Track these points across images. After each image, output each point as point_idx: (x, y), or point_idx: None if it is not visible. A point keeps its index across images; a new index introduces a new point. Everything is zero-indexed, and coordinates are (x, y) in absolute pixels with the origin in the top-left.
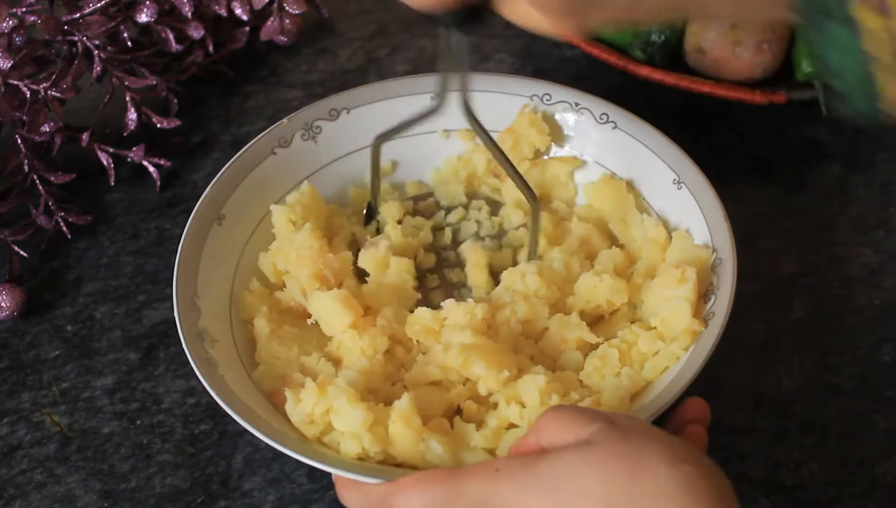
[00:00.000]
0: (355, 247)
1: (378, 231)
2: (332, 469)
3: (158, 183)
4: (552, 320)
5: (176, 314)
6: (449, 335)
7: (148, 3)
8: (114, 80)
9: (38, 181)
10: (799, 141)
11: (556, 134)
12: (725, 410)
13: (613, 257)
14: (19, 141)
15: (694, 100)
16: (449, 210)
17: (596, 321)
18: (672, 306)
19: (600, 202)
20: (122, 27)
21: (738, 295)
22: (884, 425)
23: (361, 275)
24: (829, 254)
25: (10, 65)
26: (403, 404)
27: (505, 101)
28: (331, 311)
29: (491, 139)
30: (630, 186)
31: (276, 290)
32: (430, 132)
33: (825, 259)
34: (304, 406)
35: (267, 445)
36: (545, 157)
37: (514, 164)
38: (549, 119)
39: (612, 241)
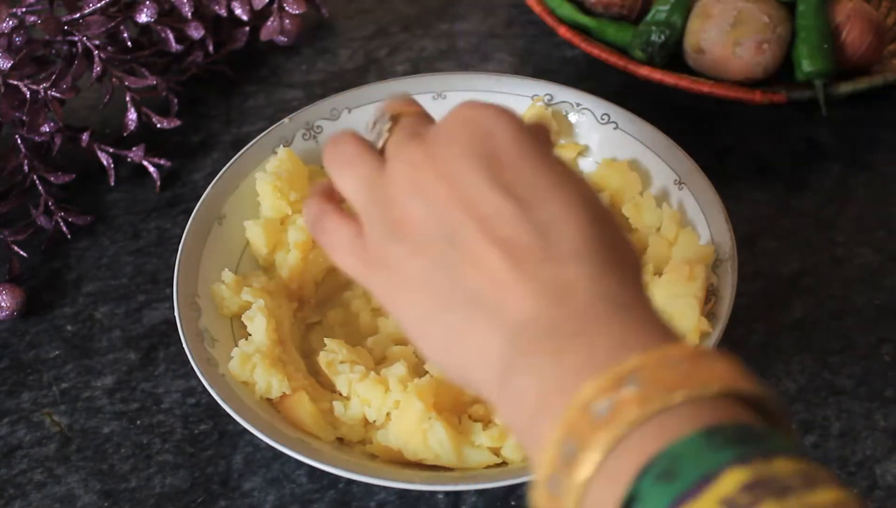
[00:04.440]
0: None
1: None
2: (332, 468)
3: (158, 183)
4: None
5: (176, 314)
6: None
7: (148, 3)
8: (114, 80)
9: (38, 181)
10: (799, 141)
11: (566, 131)
12: None
13: None
14: (19, 141)
15: (694, 100)
16: None
17: None
18: (680, 303)
19: (605, 185)
20: (122, 27)
21: (738, 295)
22: (884, 425)
23: None
24: (829, 254)
25: (10, 65)
26: (424, 381)
27: (506, 101)
28: None
29: None
30: (634, 165)
31: (267, 266)
32: None
33: (825, 259)
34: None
35: (267, 445)
36: None
37: None
38: (557, 116)
39: (624, 224)
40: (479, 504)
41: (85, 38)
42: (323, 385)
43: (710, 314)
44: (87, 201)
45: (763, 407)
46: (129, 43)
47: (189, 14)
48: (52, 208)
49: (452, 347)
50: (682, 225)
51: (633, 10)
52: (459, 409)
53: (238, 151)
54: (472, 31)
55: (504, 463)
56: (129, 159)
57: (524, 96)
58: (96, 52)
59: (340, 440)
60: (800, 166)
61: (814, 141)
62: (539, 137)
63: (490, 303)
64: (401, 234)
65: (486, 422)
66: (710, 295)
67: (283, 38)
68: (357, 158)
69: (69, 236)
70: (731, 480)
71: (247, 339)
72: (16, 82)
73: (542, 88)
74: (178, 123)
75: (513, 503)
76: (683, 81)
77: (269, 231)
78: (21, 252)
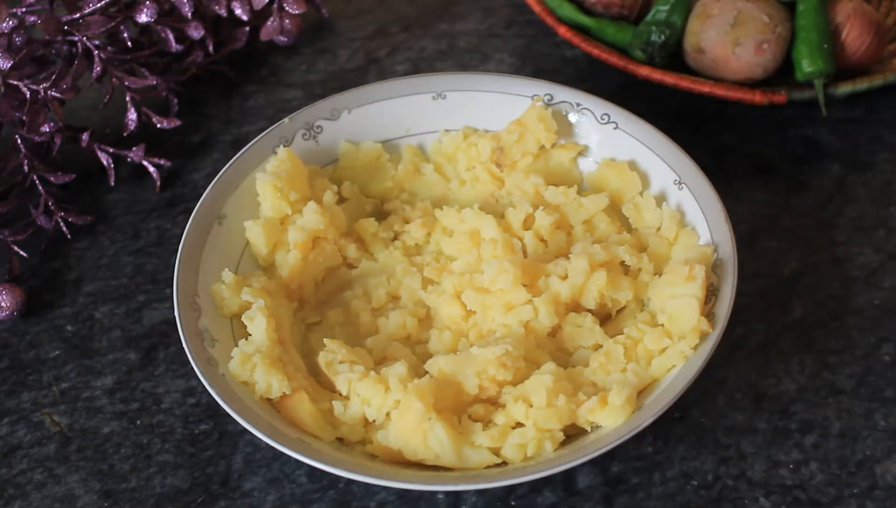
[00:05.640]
0: (343, 203)
1: None
2: (332, 468)
3: (158, 183)
4: (566, 318)
5: (176, 314)
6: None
7: (148, 3)
8: (114, 80)
9: (37, 181)
10: (799, 141)
11: (565, 131)
12: (725, 409)
13: (623, 242)
14: (19, 141)
15: (694, 100)
16: None
17: (605, 318)
18: (680, 303)
19: (605, 186)
20: (122, 27)
21: (738, 295)
22: (884, 425)
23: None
24: (829, 254)
25: (10, 65)
26: (423, 381)
27: (506, 101)
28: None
29: None
30: (633, 165)
31: (267, 266)
32: (431, 132)
33: (825, 259)
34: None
35: (267, 445)
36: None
37: (518, 158)
38: (557, 116)
39: (623, 225)
40: (479, 504)
41: (85, 38)
42: (323, 385)
43: (710, 314)
44: (87, 200)
45: None
46: (129, 43)
47: (189, 14)
48: (52, 208)
49: None
50: (682, 225)
51: (632, 10)
52: (459, 409)
53: (238, 151)
54: (471, 31)
55: (504, 463)
56: (129, 159)
57: (524, 96)
58: (96, 52)
59: (340, 440)
60: (800, 166)
61: (814, 141)
62: None
63: None
64: None
65: (486, 422)
66: (710, 295)
67: (283, 38)
68: None
69: (69, 236)
70: None
71: (247, 339)
72: (16, 82)
73: (542, 88)
74: (178, 123)
75: (513, 503)
76: (683, 81)
77: (268, 231)
78: (21, 252)
